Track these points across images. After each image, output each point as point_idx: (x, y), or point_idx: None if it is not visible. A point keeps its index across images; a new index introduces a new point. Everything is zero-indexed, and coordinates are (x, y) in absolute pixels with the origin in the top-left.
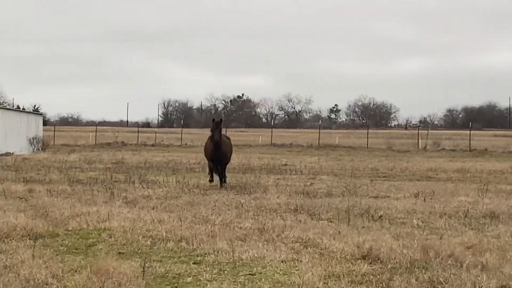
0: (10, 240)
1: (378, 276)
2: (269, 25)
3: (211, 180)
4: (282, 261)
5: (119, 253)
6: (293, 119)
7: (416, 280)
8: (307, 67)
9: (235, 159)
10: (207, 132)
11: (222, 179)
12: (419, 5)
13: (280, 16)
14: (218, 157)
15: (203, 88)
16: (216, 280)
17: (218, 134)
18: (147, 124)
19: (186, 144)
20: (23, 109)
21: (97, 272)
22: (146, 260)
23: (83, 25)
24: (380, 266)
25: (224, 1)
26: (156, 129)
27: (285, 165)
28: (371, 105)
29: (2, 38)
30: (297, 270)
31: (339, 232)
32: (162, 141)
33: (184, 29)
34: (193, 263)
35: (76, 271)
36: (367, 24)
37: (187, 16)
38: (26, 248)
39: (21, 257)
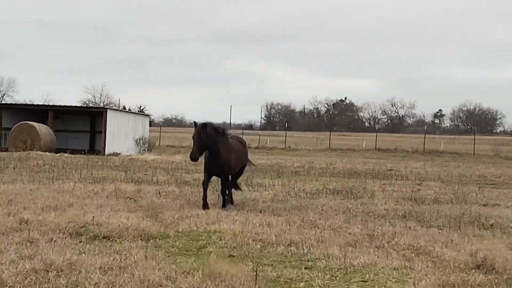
0: (123, 240)
1: (494, 287)
2: (377, 28)
3: (205, 205)
4: (395, 269)
5: (230, 256)
6: (396, 124)
7: None
8: (412, 71)
9: (339, 164)
10: (310, 136)
11: (224, 197)
12: None
13: (388, 19)
14: (215, 168)
15: (307, 91)
16: (328, 286)
17: (196, 147)
18: (249, 126)
19: (289, 147)
20: (129, 109)
21: (210, 275)
22: (258, 264)
23: (190, 26)
24: (496, 276)
25: (332, 3)
26: (259, 132)
27: (390, 170)
28: (476, 111)
29: (108, 39)
30: (410, 278)
31: (451, 240)
32: (266, 143)
33: (290, 32)
34: (304, 268)
35: (189, 273)
36: (476, 28)
37: (294, 18)
38: (139, 248)
39: (134, 257)
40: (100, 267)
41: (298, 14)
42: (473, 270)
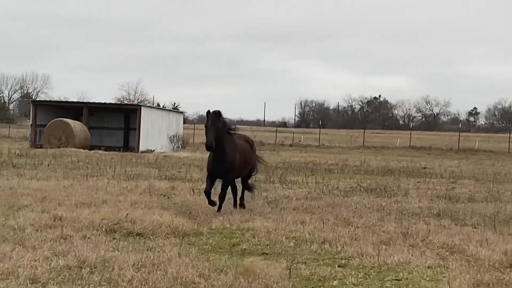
0: (156, 237)
1: None
2: (413, 26)
3: (211, 203)
4: (429, 267)
5: (263, 253)
6: (431, 122)
7: None
8: (447, 68)
9: (373, 161)
10: (343, 133)
11: (222, 202)
12: None
13: (424, 17)
14: (218, 169)
15: (341, 89)
16: (362, 285)
17: (211, 135)
18: (283, 124)
19: (323, 144)
20: (163, 107)
21: (244, 273)
22: (291, 261)
23: (224, 24)
24: None
25: (368, 1)
26: (293, 129)
27: (425, 168)
28: None
29: (143, 36)
30: (445, 277)
31: (486, 239)
32: (299, 141)
33: (325, 29)
34: (338, 266)
35: (222, 270)
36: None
37: (329, 16)
38: (172, 246)
39: (167, 255)
40: (133, 264)
41: (333, 12)
42: (508, 269)
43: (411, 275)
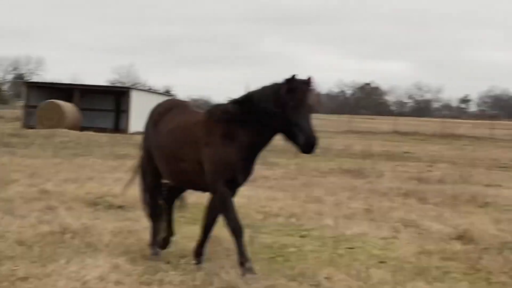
0: (135, 209)
1: (469, 255)
2: (418, 10)
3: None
4: (382, 238)
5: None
6: (423, 108)
7: (503, 259)
8: (442, 55)
9: (358, 146)
10: (334, 118)
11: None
12: None
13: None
14: (247, 175)
15: (335, 74)
16: (317, 251)
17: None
18: None
19: None
20: (155, 90)
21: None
22: (256, 232)
23: (223, 6)
24: (473, 246)
25: None
26: None
27: (406, 152)
28: (504, 96)
29: (136, 19)
30: (394, 246)
31: (442, 215)
32: None
33: (326, 13)
34: (299, 237)
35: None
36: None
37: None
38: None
39: (143, 224)
40: (112, 231)
41: None
42: (453, 240)
43: (364, 244)
